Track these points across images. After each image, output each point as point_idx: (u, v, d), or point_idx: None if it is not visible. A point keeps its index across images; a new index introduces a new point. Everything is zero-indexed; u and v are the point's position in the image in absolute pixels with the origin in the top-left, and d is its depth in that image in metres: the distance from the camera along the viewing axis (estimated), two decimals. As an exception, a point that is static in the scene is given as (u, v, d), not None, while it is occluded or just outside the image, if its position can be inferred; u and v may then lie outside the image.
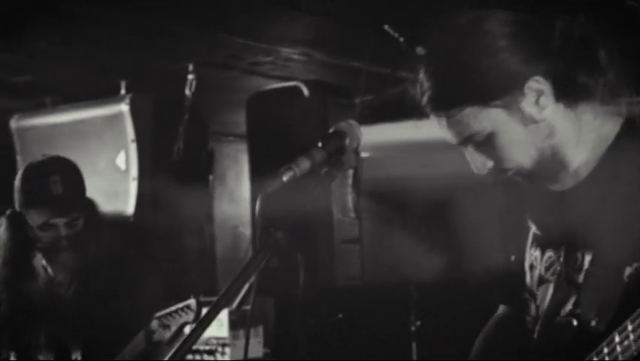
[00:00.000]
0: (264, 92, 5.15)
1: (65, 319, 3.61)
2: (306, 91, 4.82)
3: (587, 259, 2.02)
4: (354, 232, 4.96)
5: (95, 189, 4.99)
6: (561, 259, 2.10)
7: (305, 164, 2.00)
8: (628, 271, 1.94)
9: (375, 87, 4.99)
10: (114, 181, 4.94)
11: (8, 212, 3.62)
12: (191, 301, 3.43)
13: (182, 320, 3.40)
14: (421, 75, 2.06)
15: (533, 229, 2.21)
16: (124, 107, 4.87)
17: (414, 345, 5.21)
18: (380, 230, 5.26)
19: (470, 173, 4.58)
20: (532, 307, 2.19)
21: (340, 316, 5.55)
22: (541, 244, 2.18)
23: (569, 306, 2.03)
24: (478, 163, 2.08)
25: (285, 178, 1.97)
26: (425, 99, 2.05)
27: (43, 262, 3.61)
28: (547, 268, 2.14)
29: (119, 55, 5.04)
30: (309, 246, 4.68)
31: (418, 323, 5.20)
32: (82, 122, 5.09)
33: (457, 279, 5.30)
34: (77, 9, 4.35)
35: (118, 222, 4.55)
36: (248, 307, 5.03)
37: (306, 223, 2.01)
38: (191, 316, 3.39)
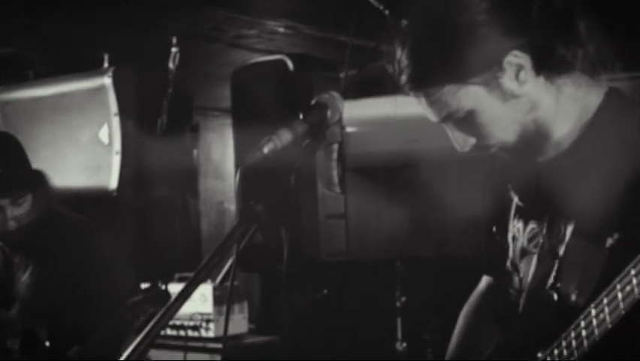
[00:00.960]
0: (248, 66, 5.11)
1: (27, 303, 3.53)
2: (290, 65, 4.77)
3: (569, 230, 2.00)
4: (339, 207, 4.94)
5: (77, 163, 4.98)
6: (544, 231, 2.07)
7: (286, 136, 1.97)
8: (609, 242, 1.91)
9: (361, 61, 4.95)
10: (97, 155, 4.90)
11: None
12: (161, 289, 3.36)
13: (152, 309, 3.31)
14: (398, 54, 2.03)
15: (516, 200, 2.19)
16: (106, 81, 4.82)
17: (399, 321, 5.21)
18: (365, 205, 5.24)
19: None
20: (516, 279, 2.17)
21: (325, 291, 5.54)
22: (524, 215, 2.16)
23: (551, 279, 2.01)
24: (460, 141, 2.05)
25: (265, 150, 1.93)
26: (403, 79, 2.02)
27: (1, 243, 3.52)
28: (529, 240, 2.12)
29: (102, 28, 4.99)
30: (294, 221, 4.65)
31: (404, 298, 5.20)
32: (64, 95, 5.03)
33: (443, 255, 5.31)
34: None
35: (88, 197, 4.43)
36: (235, 282, 5.02)
37: (289, 197, 1.98)
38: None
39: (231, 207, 7.14)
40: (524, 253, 2.14)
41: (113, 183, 4.84)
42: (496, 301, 2.31)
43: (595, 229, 1.93)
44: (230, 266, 4.10)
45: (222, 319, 5.13)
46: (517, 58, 1.95)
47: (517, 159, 2.11)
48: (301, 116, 2.02)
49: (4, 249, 3.53)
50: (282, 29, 5.21)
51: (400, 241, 5.30)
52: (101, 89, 4.86)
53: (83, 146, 4.94)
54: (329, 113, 2.06)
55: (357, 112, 5.08)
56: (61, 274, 3.49)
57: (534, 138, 2.03)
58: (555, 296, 1.97)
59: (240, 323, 5.35)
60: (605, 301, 1.82)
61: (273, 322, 5.72)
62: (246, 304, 5.50)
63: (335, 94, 2.10)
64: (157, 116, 4.94)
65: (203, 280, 1.90)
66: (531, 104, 1.99)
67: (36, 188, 3.50)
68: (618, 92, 2.05)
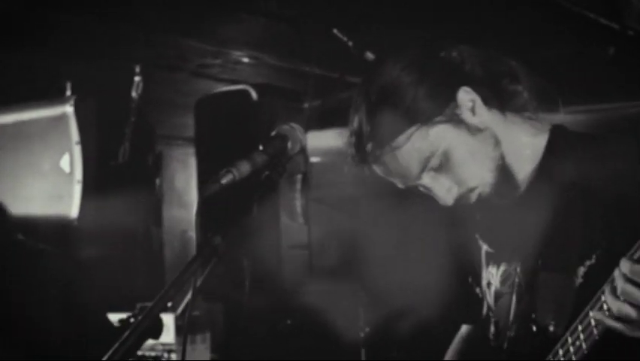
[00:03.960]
0: (212, 95, 5.10)
1: None
2: (254, 94, 4.78)
3: (538, 265, 2.04)
4: (302, 238, 4.93)
5: (38, 192, 4.93)
6: (517, 270, 2.10)
7: (245, 167, 1.97)
8: (582, 270, 1.96)
9: (325, 91, 4.97)
10: (58, 184, 4.85)
11: None
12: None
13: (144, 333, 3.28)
14: (356, 123, 2.07)
15: (485, 247, 2.22)
16: (68, 109, 4.78)
17: (363, 351, 5.19)
18: (328, 235, 5.23)
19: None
20: (493, 322, 2.20)
21: (288, 322, 5.51)
22: (495, 260, 2.19)
23: (529, 314, 2.03)
24: (443, 191, 2.06)
25: (223, 181, 1.93)
26: (369, 145, 2.04)
27: None
28: (502, 282, 2.15)
29: (65, 56, 4.96)
30: (256, 251, 4.63)
31: (367, 329, 5.18)
32: (25, 123, 4.99)
33: (407, 287, 5.30)
34: (22, 11, 4.29)
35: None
36: (195, 312, 4.98)
37: (251, 228, 1.97)
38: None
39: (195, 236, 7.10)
40: (499, 295, 2.17)
41: (74, 212, 4.79)
42: (477, 347, 2.32)
43: (562, 262, 1.98)
44: (193, 296, 4.08)
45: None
46: (467, 93, 2.02)
47: (492, 203, 2.12)
48: (261, 148, 2.02)
49: None
50: (245, 59, 5.22)
51: (364, 271, 5.29)
52: (62, 117, 4.82)
53: (44, 174, 4.89)
54: (289, 144, 2.06)
55: (321, 142, 5.07)
56: (21, 302, 3.45)
57: (504, 176, 2.06)
58: (534, 328, 1.99)
59: (202, 353, 5.30)
60: (580, 328, 1.86)
61: (235, 352, 5.68)
62: (208, 335, 5.45)
63: (295, 125, 2.10)
64: (119, 144, 4.91)
65: (160, 312, 1.88)
66: (494, 137, 2.04)
67: None
68: (561, 128, 2.11)
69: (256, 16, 4.48)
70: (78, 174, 4.76)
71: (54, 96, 4.98)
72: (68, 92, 4.99)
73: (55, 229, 4.81)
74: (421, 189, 2.10)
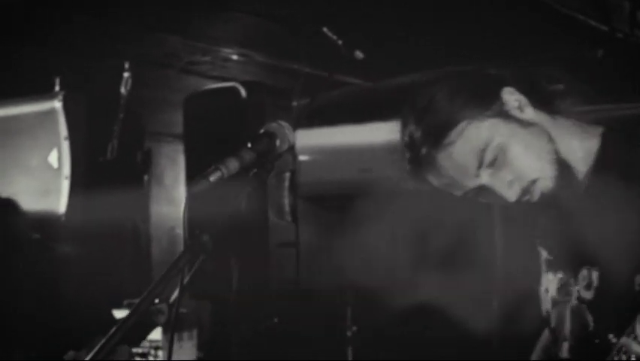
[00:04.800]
0: (201, 92, 5.09)
1: None
2: (243, 92, 4.77)
3: (595, 275, 2.02)
4: (290, 236, 4.92)
5: (26, 187, 4.92)
6: (572, 279, 2.09)
7: (233, 164, 1.96)
8: (638, 279, 1.94)
9: (314, 89, 4.96)
10: (46, 179, 4.84)
11: None
12: (162, 305, 3.31)
13: (151, 322, 3.28)
14: (406, 135, 2.09)
15: (544, 254, 2.21)
16: (57, 104, 4.78)
17: (349, 350, 5.19)
18: (317, 234, 5.23)
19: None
20: (550, 329, 2.19)
21: (275, 320, 5.50)
22: (553, 267, 2.17)
23: (590, 324, 2.02)
24: (504, 186, 2.03)
25: (211, 178, 1.92)
26: (422, 145, 2.05)
27: None
28: (559, 290, 2.14)
29: (54, 51, 4.95)
30: (244, 249, 4.63)
31: (354, 328, 5.18)
32: (13, 118, 4.98)
33: (394, 285, 5.30)
34: (12, 6, 4.27)
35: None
36: (182, 310, 4.97)
37: (239, 226, 1.97)
38: (162, 319, 3.27)
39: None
40: (555, 303, 2.16)
41: (61, 207, 4.78)
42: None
43: (621, 270, 1.95)
44: (180, 294, 4.07)
45: (168, 346, 5.07)
46: (512, 94, 2.04)
47: (552, 206, 2.10)
48: (249, 145, 2.02)
49: None
50: (235, 57, 5.21)
51: (352, 270, 5.29)
52: (51, 112, 4.81)
53: (32, 170, 4.88)
54: (278, 142, 2.06)
55: (310, 140, 5.07)
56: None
57: (564, 170, 2.04)
58: (596, 340, 2.00)
59: (188, 350, 5.29)
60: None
61: (222, 350, 5.67)
62: (195, 332, 5.44)
63: (284, 123, 2.10)
64: (108, 140, 4.90)
65: (145, 310, 1.88)
66: (546, 133, 2.04)
67: (3, 227, 3.45)
68: (613, 132, 2.09)
69: (246, 14, 4.48)
70: (66, 170, 4.76)
71: (43, 91, 4.97)
72: (57, 88, 4.98)
73: (42, 225, 4.80)
74: (480, 198, 2.08)
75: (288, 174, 4.78)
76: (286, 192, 4.84)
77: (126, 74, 4.83)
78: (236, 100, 4.78)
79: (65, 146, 4.76)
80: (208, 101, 4.99)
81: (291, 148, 2.11)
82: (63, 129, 4.76)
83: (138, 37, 4.80)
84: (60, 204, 4.79)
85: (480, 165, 2.02)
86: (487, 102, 2.02)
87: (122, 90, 4.86)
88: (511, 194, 2.03)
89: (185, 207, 1.91)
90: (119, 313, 5.04)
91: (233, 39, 4.94)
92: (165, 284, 1.82)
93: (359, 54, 4.64)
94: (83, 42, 4.84)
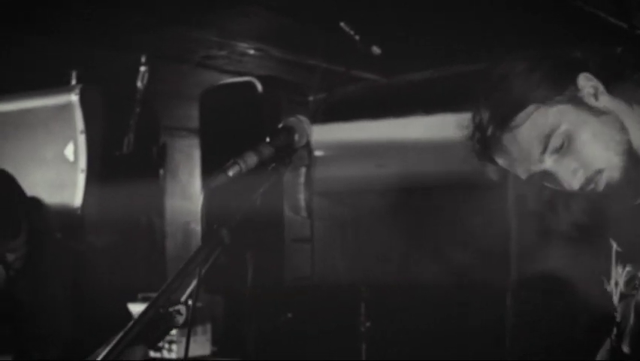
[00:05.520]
0: (217, 87, 5.09)
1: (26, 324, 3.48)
2: (259, 87, 4.76)
3: None
4: (305, 231, 4.91)
5: (41, 181, 4.92)
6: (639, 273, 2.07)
7: (252, 159, 1.96)
8: None
9: (330, 85, 4.96)
10: (62, 173, 4.84)
11: None
12: (181, 306, 3.31)
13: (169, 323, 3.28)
14: (476, 115, 2.09)
15: (615, 246, 2.18)
16: (73, 98, 4.77)
17: (363, 346, 5.19)
18: (332, 230, 5.23)
19: (424, 174, 4.55)
20: (615, 323, 2.17)
21: (289, 315, 5.51)
22: (623, 260, 2.15)
23: None
24: (568, 173, 2.02)
25: (230, 173, 1.92)
26: (489, 125, 2.05)
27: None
28: (626, 283, 2.12)
29: (70, 44, 4.95)
30: (259, 244, 4.62)
31: (368, 324, 5.18)
32: (30, 111, 4.98)
33: (407, 280, 5.30)
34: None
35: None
36: (198, 304, 4.97)
37: (254, 221, 1.97)
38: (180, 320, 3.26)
39: (198, 227, 7.09)
40: (622, 296, 2.14)
41: (77, 200, 4.79)
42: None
43: None
44: (194, 288, 4.07)
45: (185, 340, 5.08)
46: (588, 80, 2.02)
47: (621, 198, 2.08)
48: (268, 140, 2.01)
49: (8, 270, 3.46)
50: (251, 51, 5.20)
51: (365, 266, 5.29)
52: (67, 106, 4.81)
53: (48, 163, 4.89)
54: (296, 136, 2.06)
55: (326, 136, 5.07)
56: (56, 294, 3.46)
57: (634, 163, 2.01)
58: None
59: (203, 344, 5.32)
60: None
61: (236, 344, 5.68)
62: (209, 326, 5.45)
63: (302, 118, 2.10)
64: (123, 135, 4.90)
65: (164, 303, 1.88)
66: (619, 122, 2.01)
67: (29, 224, 3.43)
68: None
69: (263, 8, 4.47)
70: (82, 163, 4.76)
71: (59, 85, 4.97)
72: (74, 81, 4.99)
73: (57, 218, 4.81)
74: (545, 182, 2.07)
75: (303, 170, 4.78)
76: (301, 188, 4.83)
77: (143, 68, 4.83)
78: (253, 95, 4.78)
79: (81, 139, 4.76)
80: (224, 95, 4.98)
81: (307, 143, 2.11)
82: (79, 123, 4.76)
83: (154, 31, 4.80)
84: (76, 197, 4.79)
85: (544, 151, 2.02)
86: (561, 85, 2.01)
87: (139, 84, 4.86)
88: (575, 182, 2.02)
89: (203, 201, 1.90)
90: (135, 308, 5.06)
91: (250, 33, 4.93)
92: (183, 278, 1.82)
93: (376, 49, 4.63)
94: (100, 35, 4.84)
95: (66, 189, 4.83)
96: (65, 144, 4.82)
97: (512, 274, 4.57)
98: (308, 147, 2.12)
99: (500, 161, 2.08)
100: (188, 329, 1.99)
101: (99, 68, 5.06)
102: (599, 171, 2.01)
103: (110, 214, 4.89)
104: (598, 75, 2.04)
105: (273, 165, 2.01)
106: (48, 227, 3.59)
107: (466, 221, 4.45)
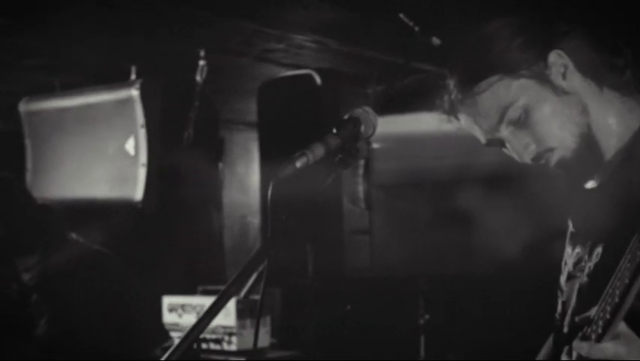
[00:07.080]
0: (275, 80, 5.11)
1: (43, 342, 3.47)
2: (318, 79, 4.77)
3: (605, 253, 1.99)
4: (364, 223, 4.92)
5: (103, 175, 4.99)
6: (586, 255, 2.07)
7: (319, 150, 1.96)
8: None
9: (389, 77, 4.93)
10: (123, 167, 4.90)
11: None
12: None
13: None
14: (448, 74, 2.12)
15: (570, 227, 2.20)
16: (134, 92, 4.82)
17: (422, 338, 5.17)
18: (390, 221, 5.21)
19: (482, 165, 4.51)
20: (560, 302, 2.17)
21: (349, 307, 5.51)
22: (574, 241, 2.16)
23: (590, 301, 1.99)
24: (520, 147, 2.06)
25: (298, 164, 1.92)
26: (453, 88, 2.08)
27: None
28: (574, 264, 2.12)
29: (130, 39, 4.99)
30: (319, 236, 4.64)
31: (427, 316, 5.16)
32: (91, 106, 5.04)
33: (467, 272, 5.27)
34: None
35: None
36: (256, 296, 4.99)
37: (316, 212, 1.97)
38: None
39: (255, 220, 7.12)
40: (569, 276, 2.14)
41: (138, 194, 4.83)
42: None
43: (620, 250, 1.91)
44: (256, 279, 4.09)
45: (245, 332, 5.11)
46: (560, 57, 2.02)
47: (573, 177, 2.12)
48: (334, 131, 2.02)
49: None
50: (310, 44, 5.20)
51: (424, 257, 5.27)
52: (128, 100, 4.86)
53: (109, 157, 4.95)
54: (362, 127, 2.06)
55: (384, 128, 5.05)
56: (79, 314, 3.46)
57: (589, 150, 2.03)
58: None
59: (262, 336, 5.32)
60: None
61: (295, 336, 5.70)
62: (268, 318, 5.47)
63: (368, 109, 2.10)
64: (183, 129, 4.94)
65: (234, 294, 1.89)
66: (582, 105, 2.02)
67: (43, 235, 3.46)
68: None
69: (321, 0, 4.47)
70: (143, 158, 4.81)
71: (118, 79, 5.03)
72: (133, 76, 5.04)
73: (119, 211, 4.86)
74: (505, 150, 2.11)
75: (362, 162, 4.78)
76: (360, 180, 4.83)
77: (202, 62, 4.86)
78: (311, 87, 4.79)
79: (142, 134, 4.80)
80: (282, 88, 5.00)
81: (372, 134, 2.12)
82: (140, 117, 4.80)
83: (213, 25, 4.81)
84: (137, 191, 4.84)
85: (500, 121, 2.05)
86: (535, 55, 2.02)
87: (198, 78, 4.90)
88: (526, 156, 2.06)
89: (270, 192, 1.91)
90: (169, 300, 5.07)
91: (308, 26, 4.92)
92: (253, 269, 1.83)
93: (436, 40, 4.60)
94: (159, 30, 4.88)
95: (127, 183, 4.88)
96: (126, 139, 4.87)
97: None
98: (370, 136, 2.12)
99: (463, 122, 2.12)
100: (257, 319, 2.00)
101: (158, 62, 5.11)
102: (550, 149, 2.04)
103: (170, 208, 4.94)
104: (575, 51, 2.03)
105: (340, 156, 2.02)
106: (62, 231, 3.59)
107: (525, 211, 4.41)
